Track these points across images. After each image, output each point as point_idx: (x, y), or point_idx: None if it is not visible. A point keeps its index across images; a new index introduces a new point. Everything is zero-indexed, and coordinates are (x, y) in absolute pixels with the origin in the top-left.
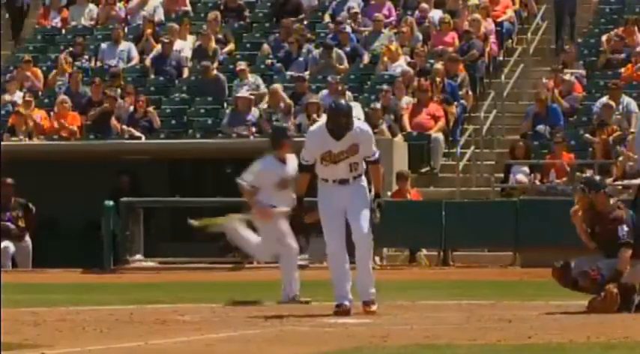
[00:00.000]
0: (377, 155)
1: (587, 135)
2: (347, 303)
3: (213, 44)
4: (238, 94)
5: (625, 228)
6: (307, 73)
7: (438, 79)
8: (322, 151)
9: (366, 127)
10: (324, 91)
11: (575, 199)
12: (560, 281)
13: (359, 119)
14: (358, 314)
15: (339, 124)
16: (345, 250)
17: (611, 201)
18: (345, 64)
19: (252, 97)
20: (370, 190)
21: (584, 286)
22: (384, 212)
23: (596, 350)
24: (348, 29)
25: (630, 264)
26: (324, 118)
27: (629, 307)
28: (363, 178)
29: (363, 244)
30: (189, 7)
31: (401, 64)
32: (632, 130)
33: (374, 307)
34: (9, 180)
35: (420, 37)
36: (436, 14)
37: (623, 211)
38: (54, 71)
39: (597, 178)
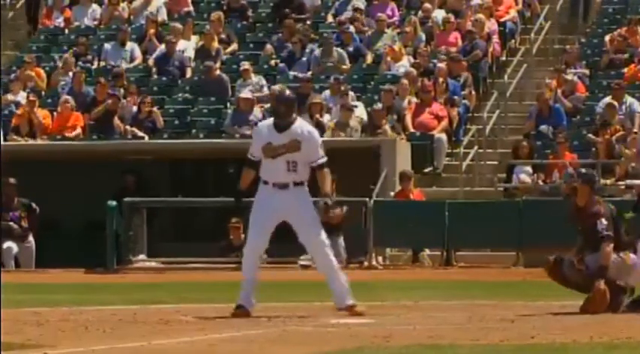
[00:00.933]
0: (322, 160)
1: (590, 135)
2: (246, 306)
3: (215, 44)
4: (240, 95)
5: (604, 221)
6: (310, 73)
7: (441, 79)
8: (264, 143)
9: (313, 130)
10: (327, 92)
11: (565, 185)
12: (551, 276)
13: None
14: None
15: (278, 112)
16: (259, 258)
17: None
18: (347, 64)
19: (254, 97)
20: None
21: (573, 279)
22: (329, 210)
23: (598, 350)
24: (351, 29)
25: (631, 264)
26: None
27: (617, 308)
28: (306, 188)
29: (320, 253)
30: (191, 8)
31: (404, 64)
32: (635, 130)
33: (358, 308)
34: (11, 180)
35: (423, 37)
36: (439, 14)
37: (602, 206)
38: (57, 71)
39: (591, 173)
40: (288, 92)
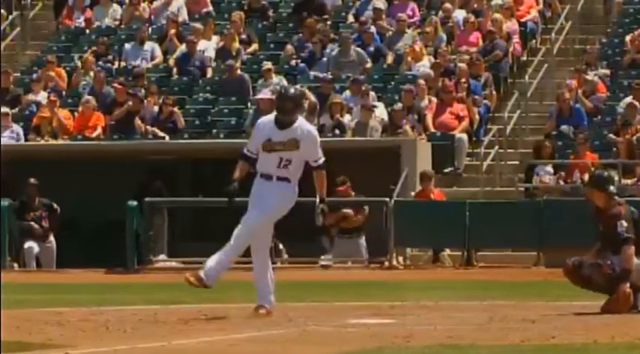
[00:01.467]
0: (321, 161)
1: (611, 135)
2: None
3: (236, 44)
4: (258, 96)
5: (624, 223)
6: (329, 73)
7: (462, 79)
8: (264, 139)
9: (313, 129)
10: (348, 92)
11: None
12: (571, 279)
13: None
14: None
15: (284, 108)
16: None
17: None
18: (368, 63)
19: (273, 97)
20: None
21: (597, 281)
22: (325, 216)
23: (620, 350)
24: (372, 29)
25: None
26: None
27: (637, 307)
28: (290, 184)
29: (241, 230)
30: (211, 8)
31: (424, 65)
32: None
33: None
34: (32, 180)
35: (444, 37)
36: (460, 14)
37: (622, 207)
38: (78, 71)
39: (605, 175)
40: (293, 89)
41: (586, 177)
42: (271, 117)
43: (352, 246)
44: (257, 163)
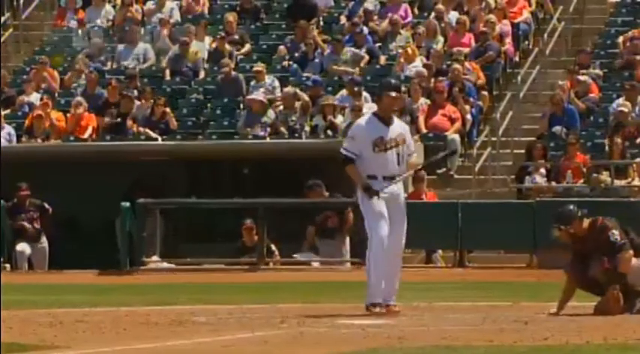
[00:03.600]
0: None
1: (605, 139)
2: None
3: (229, 47)
4: (250, 97)
5: (615, 232)
6: (320, 74)
7: (454, 81)
8: (374, 138)
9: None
10: (344, 91)
11: (556, 236)
12: (574, 279)
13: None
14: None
15: (396, 103)
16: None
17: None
18: (364, 61)
19: (264, 99)
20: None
21: (598, 277)
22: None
23: (613, 351)
24: (365, 30)
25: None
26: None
27: (630, 310)
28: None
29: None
30: (204, 9)
31: (417, 66)
32: None
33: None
34: (23, 185)
35: (437, 38)
36: (453, 16)
37: (600, 219)
38: (70, 72)
39: (565, 209)
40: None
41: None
42: (369, 116)
43: (334, 248)
44: (367, 166)
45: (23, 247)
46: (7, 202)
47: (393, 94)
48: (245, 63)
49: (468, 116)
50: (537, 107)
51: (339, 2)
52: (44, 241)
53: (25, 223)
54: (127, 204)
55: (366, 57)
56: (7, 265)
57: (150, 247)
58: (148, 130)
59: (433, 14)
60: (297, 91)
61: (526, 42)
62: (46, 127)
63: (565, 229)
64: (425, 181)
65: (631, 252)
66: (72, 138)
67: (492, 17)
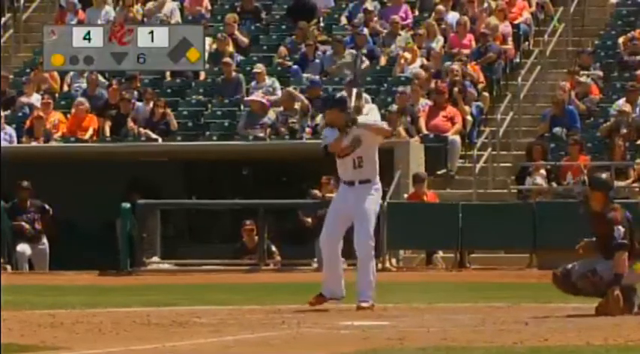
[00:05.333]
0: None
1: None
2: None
3: (229, 47)
4: (250, 98)
5: (621, 229)
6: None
7: (454, 82)
8: None
9: None
10: (343, 93)
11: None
12: (560, 287)
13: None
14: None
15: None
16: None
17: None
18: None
19: (264, 100)
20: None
21: (585, 289)
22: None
23: (613, 352)
24: (365, 31)
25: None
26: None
27: (631, 309)
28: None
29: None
30: (205, 10)
31: (417, 67)
32: None
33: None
34: (25, 183)
35: (437, 39)
36: (453, 17)
37: (618, 213)
38: (71, 73)
39: (604, 177)
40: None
41: (579, 178)
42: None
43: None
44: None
45: (24, 248)
46: (8, 203)
47: (334, 111)
48: (245, 64)
49: (469, 117)
50: (537, 108)
51: (339, 3)
52: (45, 242)
53: (26, 225)
54: (128, 205)
55: (367, 62)
56: (8, 266)
57: (150, 248)
58: (148, 131)
59: (433, 15)
60: (295, 92)
61: (526, 43)
62: (46, 128)
63: (589, 192)
64: (425, 181)
65: (626, 254)
66: (73, 139)
67: (493, 18)
